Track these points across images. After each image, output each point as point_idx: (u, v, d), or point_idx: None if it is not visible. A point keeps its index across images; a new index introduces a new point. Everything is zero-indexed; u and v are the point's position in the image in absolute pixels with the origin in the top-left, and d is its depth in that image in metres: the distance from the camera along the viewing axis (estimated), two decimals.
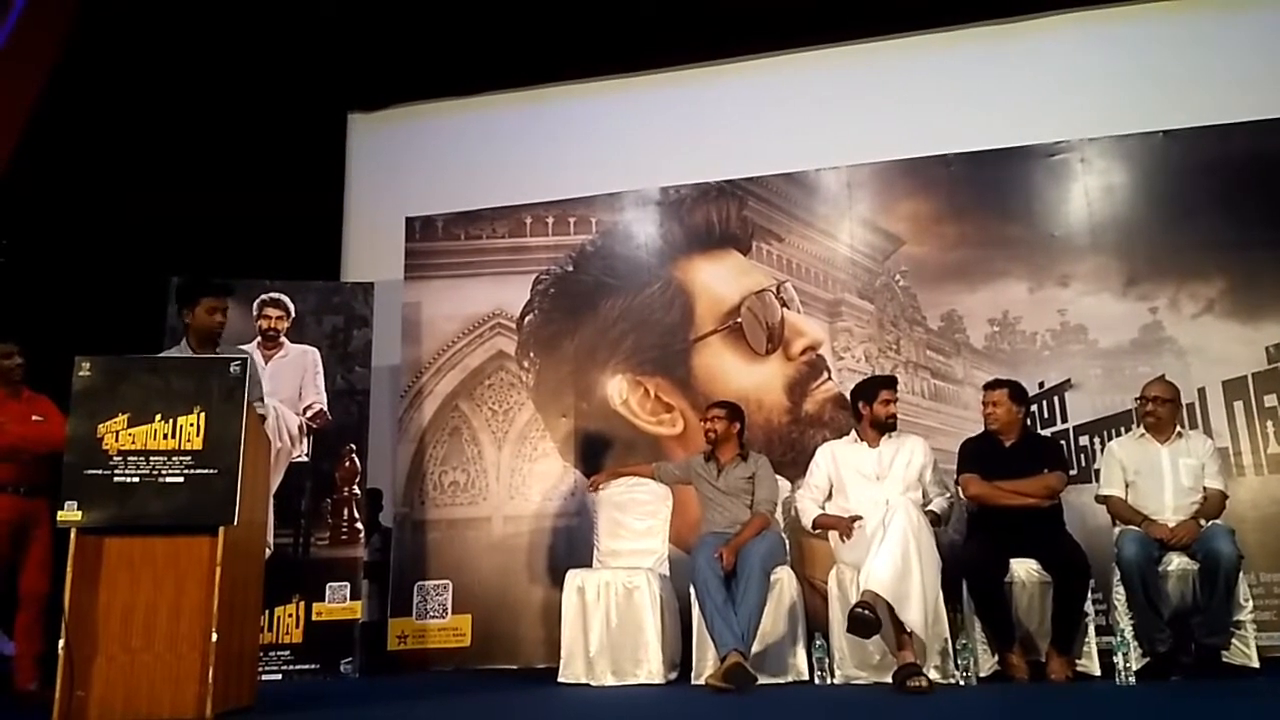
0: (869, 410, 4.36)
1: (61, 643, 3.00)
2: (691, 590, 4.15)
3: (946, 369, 5.14)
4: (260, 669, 3.85)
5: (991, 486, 4.12)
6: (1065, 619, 3.91)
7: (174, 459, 3.12)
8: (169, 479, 3.11)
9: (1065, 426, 4.88)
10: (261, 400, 3.87)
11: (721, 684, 3.73)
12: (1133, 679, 3.70)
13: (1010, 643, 3.96)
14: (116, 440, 3.12)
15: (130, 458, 3.11)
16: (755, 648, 4.00)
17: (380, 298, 5.69)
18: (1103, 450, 4.44)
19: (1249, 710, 3.20)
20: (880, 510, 3.87)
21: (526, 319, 5.73)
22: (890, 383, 4.46)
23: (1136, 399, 4.32)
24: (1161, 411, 4.18)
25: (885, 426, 4.35)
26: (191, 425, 3.14)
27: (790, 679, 4.14)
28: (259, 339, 5.38)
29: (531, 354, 5.68)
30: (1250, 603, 3.88)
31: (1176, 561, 3.92)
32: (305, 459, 5.35)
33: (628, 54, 6.63)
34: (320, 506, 5.30)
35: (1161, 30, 5.93)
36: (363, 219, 6.97)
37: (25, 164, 5.64)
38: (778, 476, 4.60)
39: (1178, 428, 4.22)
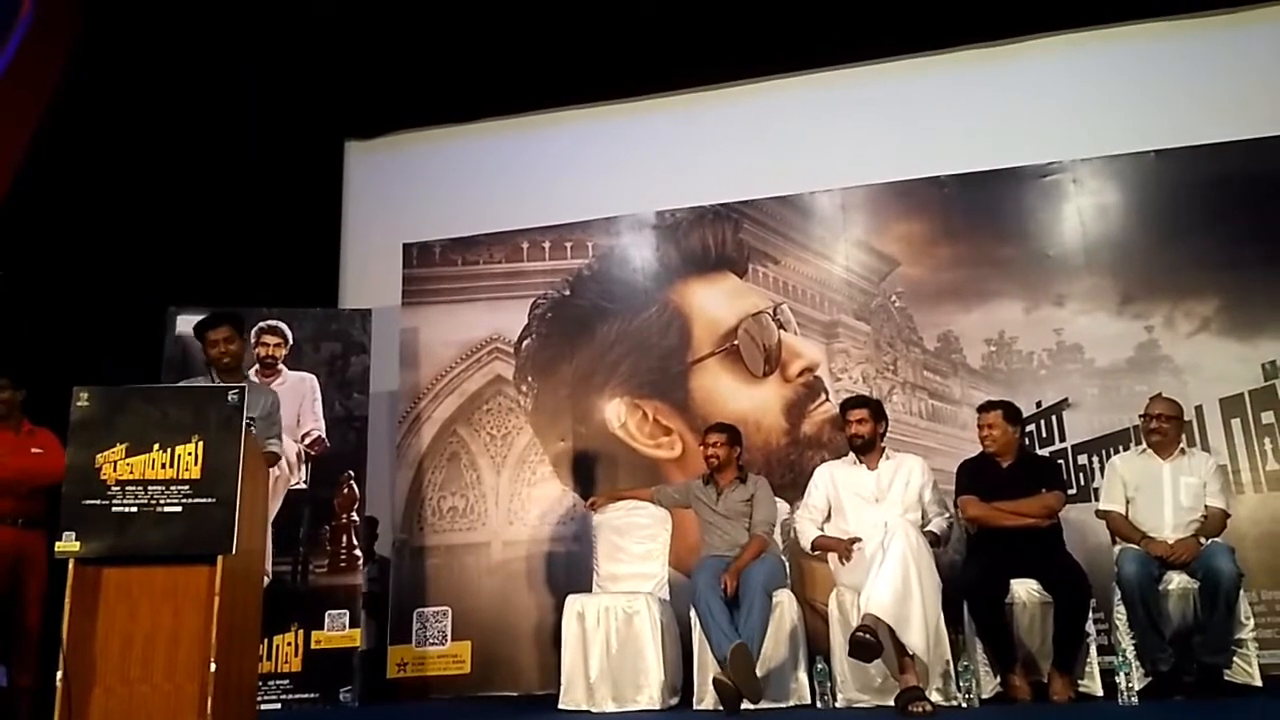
0: (845, 432, 4.41)
1: (59, 675, 2.98)
2: (692, 613, 4.14)
3: (944, 389, 5.15)
4: (259, 699, 3.83)
5: (990, 507, 4.12)
6: (1066, 639, 3.90)
7: (172, 488, 3.10)
8: (167, 508, 3.09)
9: (1063, 445, 4.89)
10: (279, 438, 3.87)
11: (729, 679, 3.74)
12: (1135, 699, 3.69)
13: (1012, 664, 3.95)
14: (115, 470, 3.10)
15: (128, 487, 3.09)
16: (758, 672, 3.98)
17: (378, 324, 5.69)
18: (1101, 469, 4.44)
19: None
20: (879, 532, 3.86)
21: (524, 343, 5.74)
22: (856, 403, 4.48)
23: (1141, 416, 4.33)
24: (1166, 428, 4.19)
25: (855, 447, 4.37)
26: (190, 454, 3.13)
27: (792, 703, 4.12)
28: (257, 366, 5.38)
29: (529, 378, 5.69)
30: (1251, 621, 3.87)
31: (1177, 580, 3.92)
32: (303, 486, 5.34)
33: (622, 79, 6.67)
34: (319, 534, 5.28)
35: (1151, 51, 5.98)
36: (360, 246, 7.00)
37: (23, 193, 5.66)
38: (777, 498, 4.60)
39: (1181, 445, 4.22)
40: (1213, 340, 4.85)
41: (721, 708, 3.85)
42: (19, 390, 4.42)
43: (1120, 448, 4.65)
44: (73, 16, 6.16)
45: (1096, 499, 4.35)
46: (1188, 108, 5.65)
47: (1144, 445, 4.28)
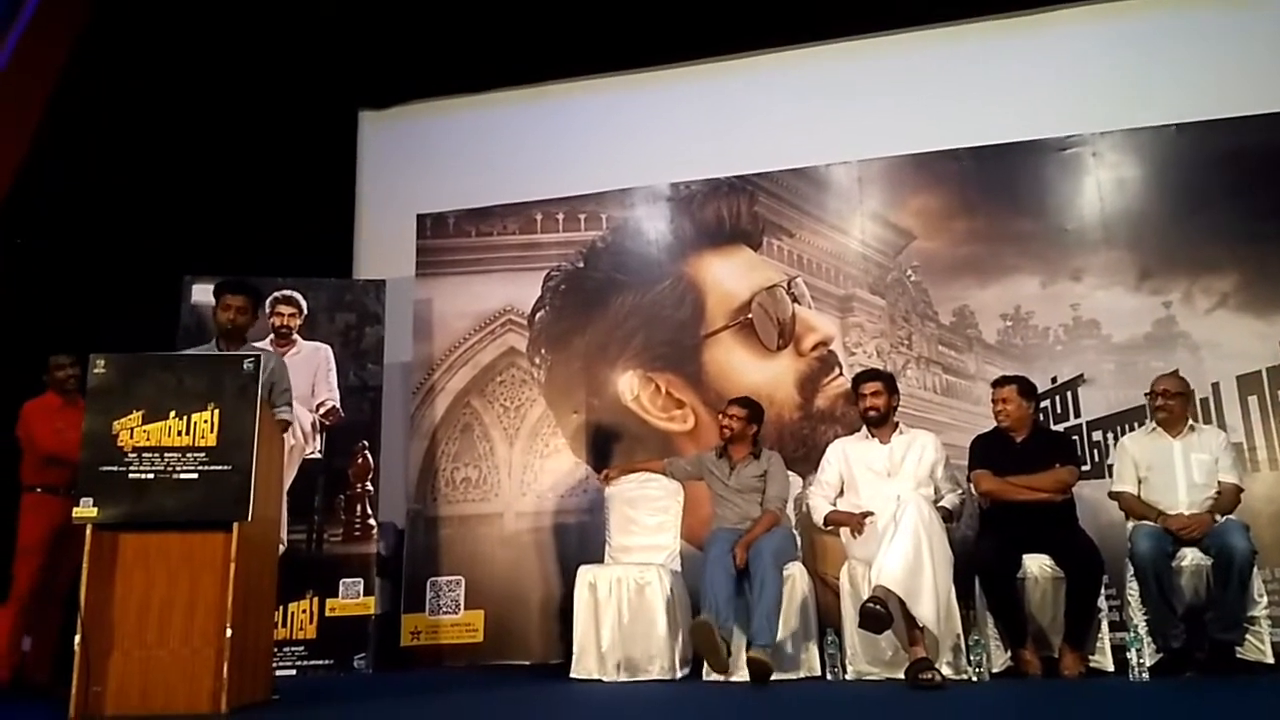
0: (858, 406, 4.40)
1: (78, 639, 3.02)
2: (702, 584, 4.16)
3: (958, 364, 5.13)
4: (274, 665, 3.88)
5: (1003, 482, 4.11)
6: (1078, 614, 3.90)
7: (188, 455, 3.14)
8: (183, 475, 3.13)
9: (1079, 421, 4.86)
10: (289, 405, 3.89)
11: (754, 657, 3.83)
12: (1146, 675, 3.68)
13: (1023, 638, 3.95)
14: (131, 437, 3.14)
15: (145, 454, 3.13)
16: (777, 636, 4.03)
17: (392, 295, 5.70)
18: (1116, 445, 4.42)
19: (1263, 707, 3.20)
20: (891, 506, 3.87)
21: (538, 315, 5.73)
22: (869, 376, 4.47)
23: (1146, 394, 4.31)
24: (1173, 405, 4.16)
25: (870, 420, 4.36)
26: (206, 422, 3.16)
27: (803, 675, 4.15)
28: (272, 336, 5.40)
29: (543, 350, 5.69)
30: (1264, 598, 3.86)
31: (1190, 556, 3.91)
32: (318, 455, 5.37)
33: (638, 50, 6.62)
34: (333, 503, 5.32)
35: (1173, 23, 5.89)
36: (374, 216, 6.99)
37: (38, 165, 5.67)
38: (790, 472, 4.60)
39: (1190, 421, 4.20)
40: (1231, 317, 4.80)
41: (751, 680, 3.88)
42: (78, 366, 4.46)
43: (1136, 424, 4.62)
44: None
45: (1111, 475, 4.34)
46: (1209, 81, 5.56)
47: (1152, 424, 4.25)
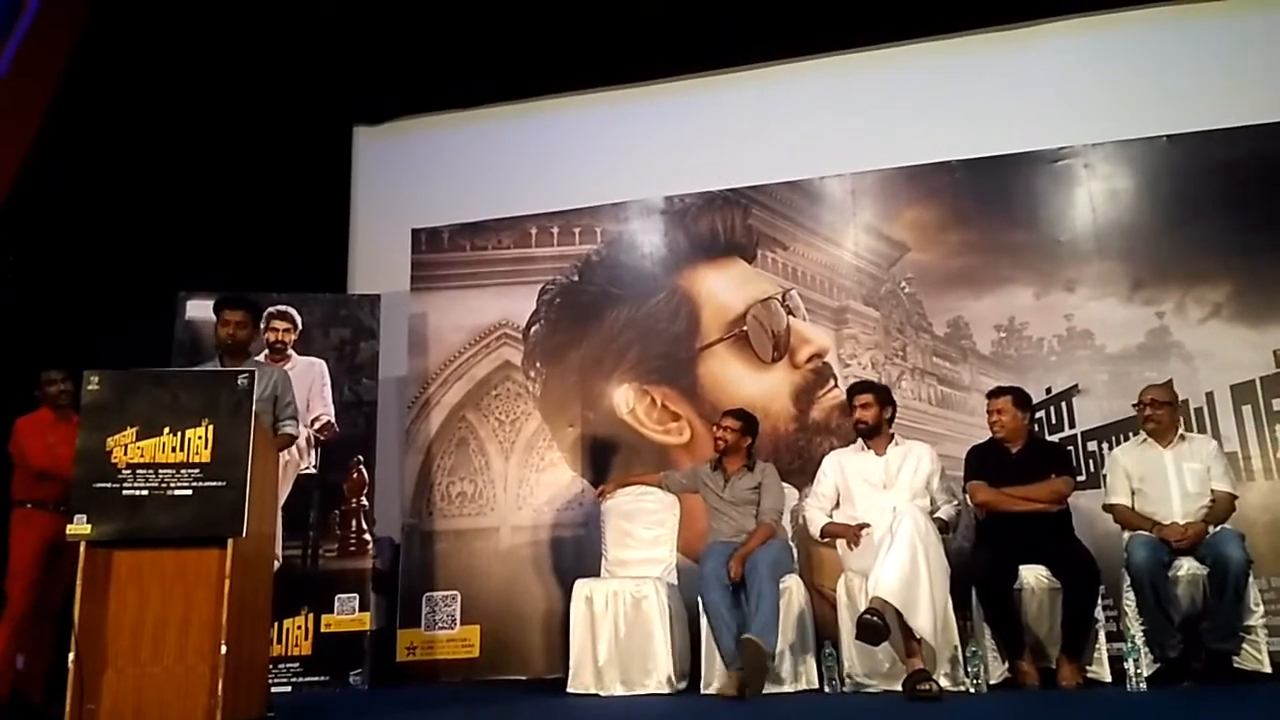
0: (851, 418, 4.42)
1: (71, 656, 3.00)
2: (699, 598, 4.15)
3: (953, 375, 5.13)
4: (270, 681, 3.86)
5: (999, 493, 4.11)
6: (1075, 625, 3.90)
7: (182, 472, 3.12)
8: (178, 492, 3.11)
9: (1073, 432, 4.87)
10: (295, 419, 3.89)
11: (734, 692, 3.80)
12: (1144, 685, 3.68)
13: (1020, 650, 3.95)
14: (125, 453, 3.12)
15: (139, 471, 3.11)
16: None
17: (387, 309, 5.71)
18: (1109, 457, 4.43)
19: (1260, 716, 3.21)
20: (888, 518, 3.87)
21: (533, 329, 5.73)
22: (861, 388, 4.48)
23: (1134, 405, 4.31)
24: (1161, 415, 4.17)
25: (860, 432, 4.37)
26: (200, 438, 3.15)
27: (800, 687, 4.13)
28: (266, 351, 5.40)
29: (538, 364, 5.69)
30: (1261, 607, 3.86)
31: (1186, 566, 3.91)
32: (313, 471, 5.36)
33: (631, 64, 6.65)
34: (328, 518, 5.31)
35: (1165, 35, 5.93)
36: (369, 231, 7.00)
37: (32, 181, 5.67)
38: (785, 485, 4.60)
39: (1179, 431, 4.21)
40: (1224, 326, 4.81)
41: (735, 693, 3.87)
42: (70, 381, 4.45)
43: (1130, 434, 4.60)
44: (82, 1, 6.15)
45: (1105, 485, 4.35)
46: (1201, 92, 5.60)
47: (1142, 435, 4.26)
